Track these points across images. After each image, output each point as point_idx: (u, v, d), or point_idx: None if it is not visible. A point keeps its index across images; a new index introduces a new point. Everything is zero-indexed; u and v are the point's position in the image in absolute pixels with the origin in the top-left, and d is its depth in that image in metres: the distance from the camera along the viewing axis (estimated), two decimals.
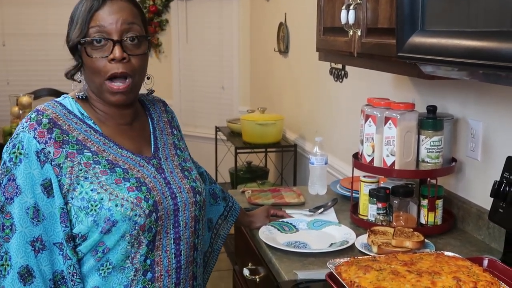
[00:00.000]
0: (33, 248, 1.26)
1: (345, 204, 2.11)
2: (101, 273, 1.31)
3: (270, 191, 2.32)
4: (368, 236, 1.68)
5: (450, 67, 1.34)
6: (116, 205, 1.28)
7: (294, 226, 1.86)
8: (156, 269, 1.35)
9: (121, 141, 1.38)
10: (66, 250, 1.27)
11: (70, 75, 1.38)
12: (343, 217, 2.01)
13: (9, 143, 1.29)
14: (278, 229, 1.83)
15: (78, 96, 1.38)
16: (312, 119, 3.38)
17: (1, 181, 1.28)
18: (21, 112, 3.80)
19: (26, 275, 1.25)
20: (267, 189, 2.36)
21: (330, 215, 2.02)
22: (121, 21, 1.33)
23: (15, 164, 1.26)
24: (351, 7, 1.81)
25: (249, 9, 4.67)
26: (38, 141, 1.27)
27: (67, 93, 1.43)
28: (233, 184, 3.92)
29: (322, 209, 2.04)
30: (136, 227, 1.30)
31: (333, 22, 2.03)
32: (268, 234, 1.78)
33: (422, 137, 1.79)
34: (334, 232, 1.82)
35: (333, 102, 3.02)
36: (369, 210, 1.89)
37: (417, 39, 1.34)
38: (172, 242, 1.38)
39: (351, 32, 1.85)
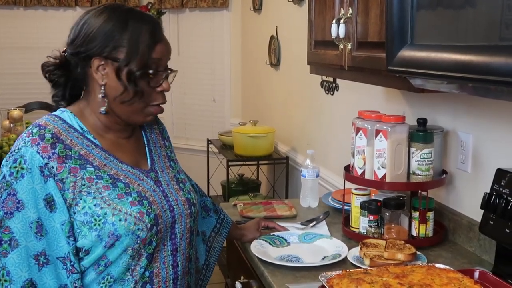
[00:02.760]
0: (37, 262, 1.26)
1: (337, 217, 2.11)
2: (101, 286, 1.32)
3: (262, 204, 2.32)
4: (360, 248, 1.68)
5: (440, 81, 1.35)
6: (120, 220, 1.29)
7: (285, 240, 1.86)
8: (154, 280, 1.37)
9: (120, 154, 1.40)
10: (74, 264, 1.27)
11: (126, 101, 1.35)
12: (335, 229, 2.01)
13: (9, 157, 1.28)
14: (270, 243, 1.82)
15: (102, 112, 1.36)
16: (304, 131, 3.39)
17: (0, 195, 1.27)
18: (12, 125, 3.78)
19: None
20: (259, 202, 2.36)
21: (322, 228, 2.02)
22: (169, 55, 1.39)
23: (16, 178, 1.26)
24: (342, 21, 1.83)
25: (240, 22, 4.70)
26: (41, 156, 1.27)
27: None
28: (225, 197, 3.92)
29: (314, 222, 2.04)
30: (138, 241, 1.31)
31: (323, 35, 2.05)
32: (260, 248, 1.77)
33: (412, 149, 1.80)
34: (325, 245, 1.82)
35: (325, 115, 3.03)
36: (361, 222, 1.90)
37: (407, 53, 1.35)
38: (170, 254, 1.40)
39: (341, 46, 1.87)
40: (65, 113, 1.38)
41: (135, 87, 1.32)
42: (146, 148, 1.49)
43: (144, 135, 1.51)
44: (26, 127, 1.58)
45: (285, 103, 3.72)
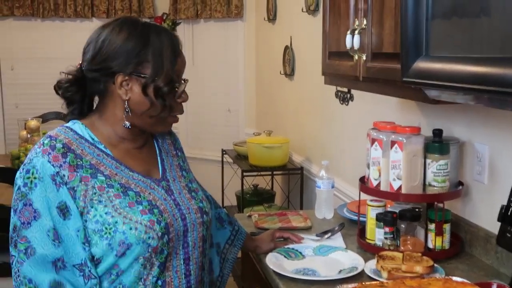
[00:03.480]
0: (54, 266, 1.27)
1: (352, 228, 2.10)
2: None
3: (276, 215, 2.32)
4: (377, 261, 1.66)
5: (455, 92, 1.34)
6: (131, 228, 1.30)
7: (300, 253, 1.84)
8: None
9: (131, 163, 1.41)
10: (91, 270, 1.29)
11: (154, 116, 1.38)
12: (350, 241, 2.00)
13: (22, 169, 1.31)
14: (285, 256, 1.81)
15: (126, 126, 1.38)
16: (318, 142, 3.38)
17: (17, 206, 1.29)
18: (29, 136, 3.82)
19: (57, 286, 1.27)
20: (273, 213, 2.35)
21: (338, 239, 2.01)
22: (185, 66, 1.42)
23: (30, 189, 1.28)
24: (356, 32, 1.83)
25: (255, 32, 4.71)
26: (52, 165, 1.29)
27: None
28: (239, 207, 3.91)
29: (330, 233, 2.03)
30: (149, 250, 1.32)
31: (338, 46, 2.05)
32: (275, 262, 1.76)
33: (428, 160, 1.78)
34: (341, 258, 1.80)
35: (339, 125, 3.03)
36: (376, 234, 1.88)
37: (422, 64, 1.35)
38: (182, 263, 1.41)
39: (356, 57, 1.86)
40: (76, 125, 1.40)
41: (163, 102, 1.36)
42: (158, 158, 1.51)
43: (156, 145, 1.53)
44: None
45: (300, 113, 3.72)
